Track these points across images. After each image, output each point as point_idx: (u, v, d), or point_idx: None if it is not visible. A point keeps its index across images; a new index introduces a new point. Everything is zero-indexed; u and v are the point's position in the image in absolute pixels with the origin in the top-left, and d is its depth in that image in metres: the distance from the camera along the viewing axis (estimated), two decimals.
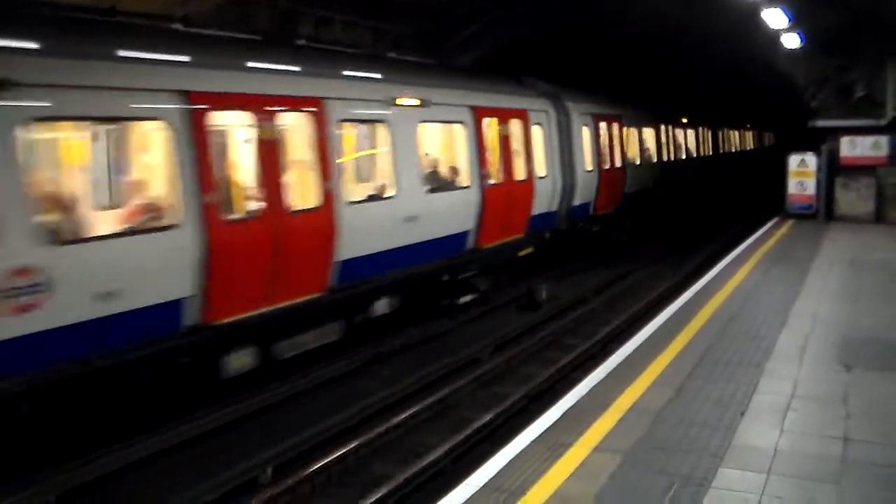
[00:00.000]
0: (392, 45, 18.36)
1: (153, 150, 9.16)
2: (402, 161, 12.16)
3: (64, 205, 8.07)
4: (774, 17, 17.35)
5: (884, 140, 21.05)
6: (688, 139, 29.75)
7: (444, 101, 13.42)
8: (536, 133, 16.64)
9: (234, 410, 9.89)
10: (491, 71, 18.32)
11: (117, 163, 9.80)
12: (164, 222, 8.50)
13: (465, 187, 13.84)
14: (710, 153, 33.87)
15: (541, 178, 16.46)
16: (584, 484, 5.94)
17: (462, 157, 14.14)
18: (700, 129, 31.54)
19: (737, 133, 40.69)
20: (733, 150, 39.63)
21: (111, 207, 9.44)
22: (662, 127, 26.17)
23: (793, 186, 22.13)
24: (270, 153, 9.71)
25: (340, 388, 11.08)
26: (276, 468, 8.52)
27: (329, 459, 8.63)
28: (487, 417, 9.81)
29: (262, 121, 9.62)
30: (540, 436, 6.85)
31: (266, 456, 8.68)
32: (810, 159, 21.86)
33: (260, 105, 9.63)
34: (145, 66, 8.41)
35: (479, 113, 14.31)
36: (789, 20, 17.70)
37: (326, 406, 10.23)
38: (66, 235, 7.66)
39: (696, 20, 21.94)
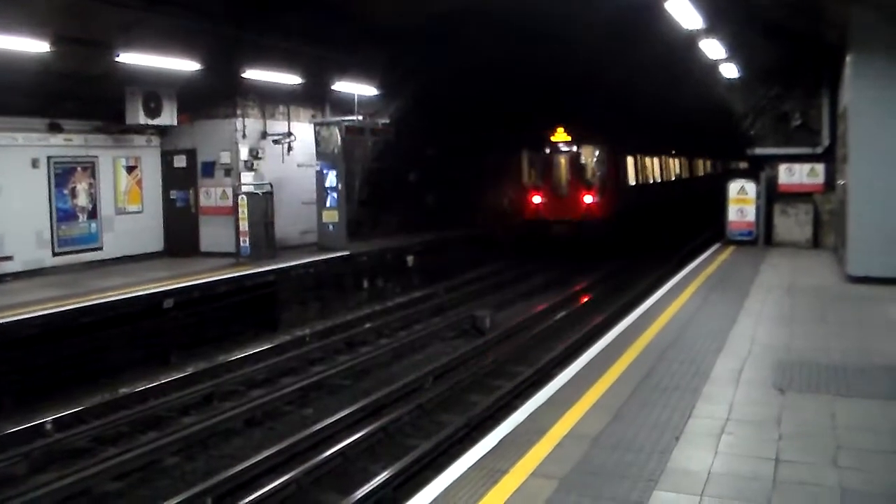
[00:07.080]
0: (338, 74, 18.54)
1: None
2: None
3: None
4: (712, 48, 17.77)
5: (820, 167, 21.54)
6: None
7: None
8: None
9: (176, 441, 9.79)
10: None
11: None
12: None
13: None
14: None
15: None
16: None
17: None
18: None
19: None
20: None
21: None
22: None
23: (733, 213, 22.46)
24: None
25: (283, 417, 11.00)
26: (216, 499, 8.43)
27: (269, 488, 8.56)
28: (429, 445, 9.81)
29: None
30: (477, 462, 6.85)
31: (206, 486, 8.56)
32: (749, 186, 22.24)
33: None
34: None
35: None
36: (726, 51, 18.16)
37: (267, 436, 10.14)
38: None
39: (633, 49, 22.38)
